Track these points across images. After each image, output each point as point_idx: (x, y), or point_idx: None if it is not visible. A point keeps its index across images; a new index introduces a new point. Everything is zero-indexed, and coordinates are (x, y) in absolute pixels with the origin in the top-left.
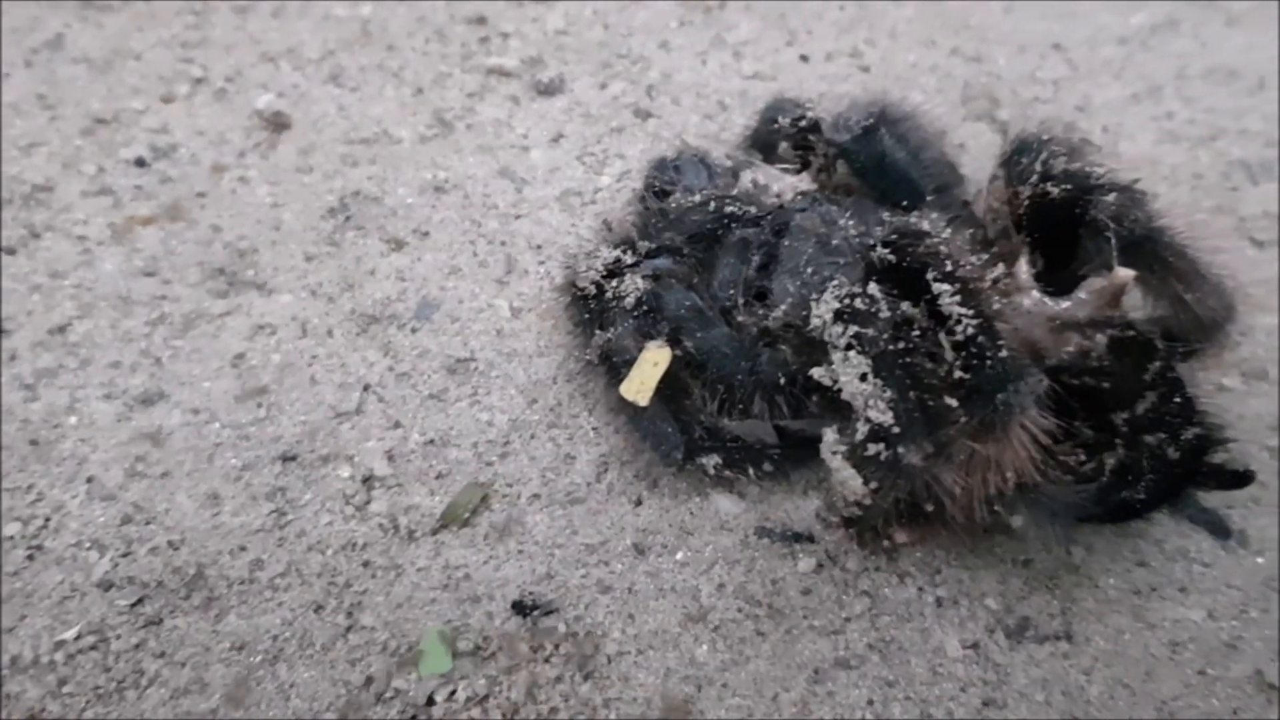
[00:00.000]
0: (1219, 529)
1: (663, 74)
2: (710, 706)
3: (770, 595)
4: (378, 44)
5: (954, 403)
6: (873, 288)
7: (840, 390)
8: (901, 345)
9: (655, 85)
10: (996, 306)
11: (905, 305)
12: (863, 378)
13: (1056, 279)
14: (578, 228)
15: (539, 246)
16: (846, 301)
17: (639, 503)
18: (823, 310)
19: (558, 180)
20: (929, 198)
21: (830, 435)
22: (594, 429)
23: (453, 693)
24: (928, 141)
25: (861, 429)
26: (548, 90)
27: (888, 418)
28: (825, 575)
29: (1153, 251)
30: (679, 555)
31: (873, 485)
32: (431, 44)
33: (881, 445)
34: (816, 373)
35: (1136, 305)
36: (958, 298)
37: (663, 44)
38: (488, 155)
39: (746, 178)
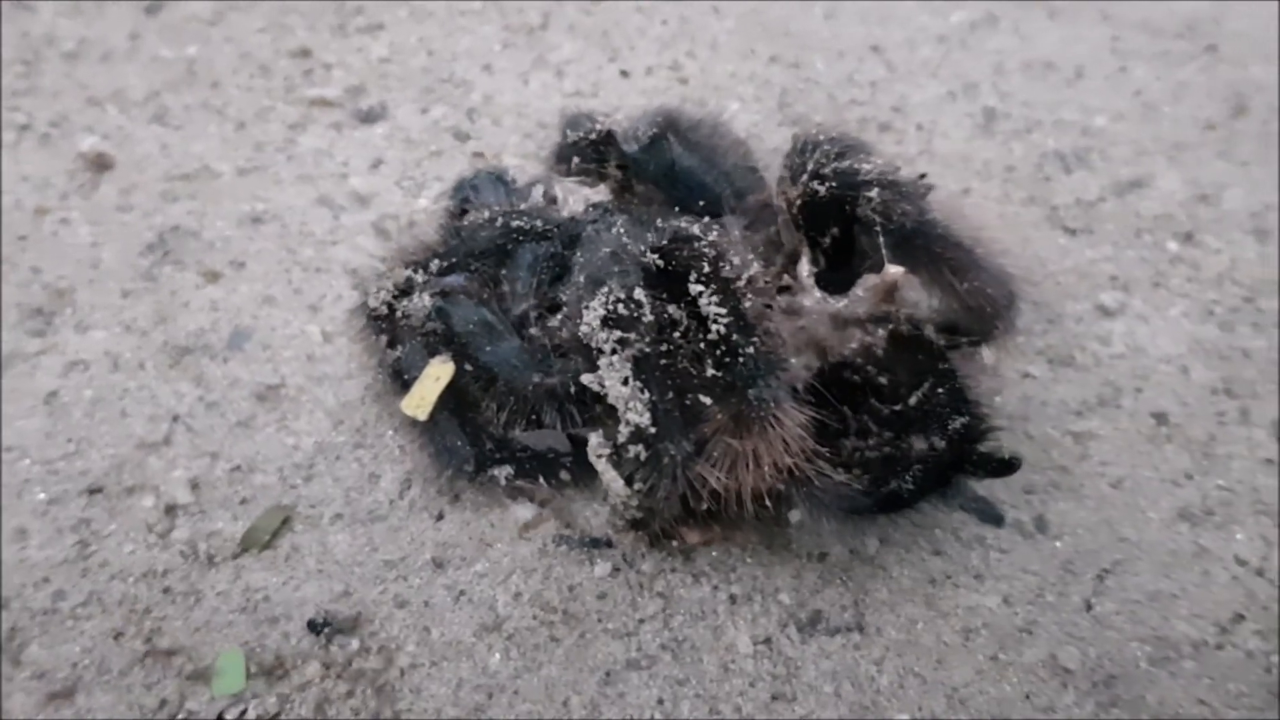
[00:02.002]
0: (991, 516)
1: (484, 96)
2: (501, 713)
3: (566, 601)
4: (203, 82)
5: (708, 400)
6: (638, 293)
7: (607, 395)
8: (664, 348)
9: (476, 108)
10: (749, 304)
11: (673, 308)
12: (625, 381)
13: (839, 276)
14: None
15: (354, 271)
16: (612, 308)
17: (440, 517)
18: (590, 317)
19: (375, 206)
20: (729, 202)
21: (595, 439)
22: (399, 447)
23: (243, 712)
24: (724, 147)
25: (623, 431)
26: (369, 118)
27: (645, 419)
28: (621, 579)
29: (923, 245)
30: (477, 567)
31: (637, 486)
32: (255, 79)
33: (641, 446)
34: (586, 379)
35: (921, 299)
36: (715, 298)
37: (486, 67)
38: (307, 185)
39: (537, 193)
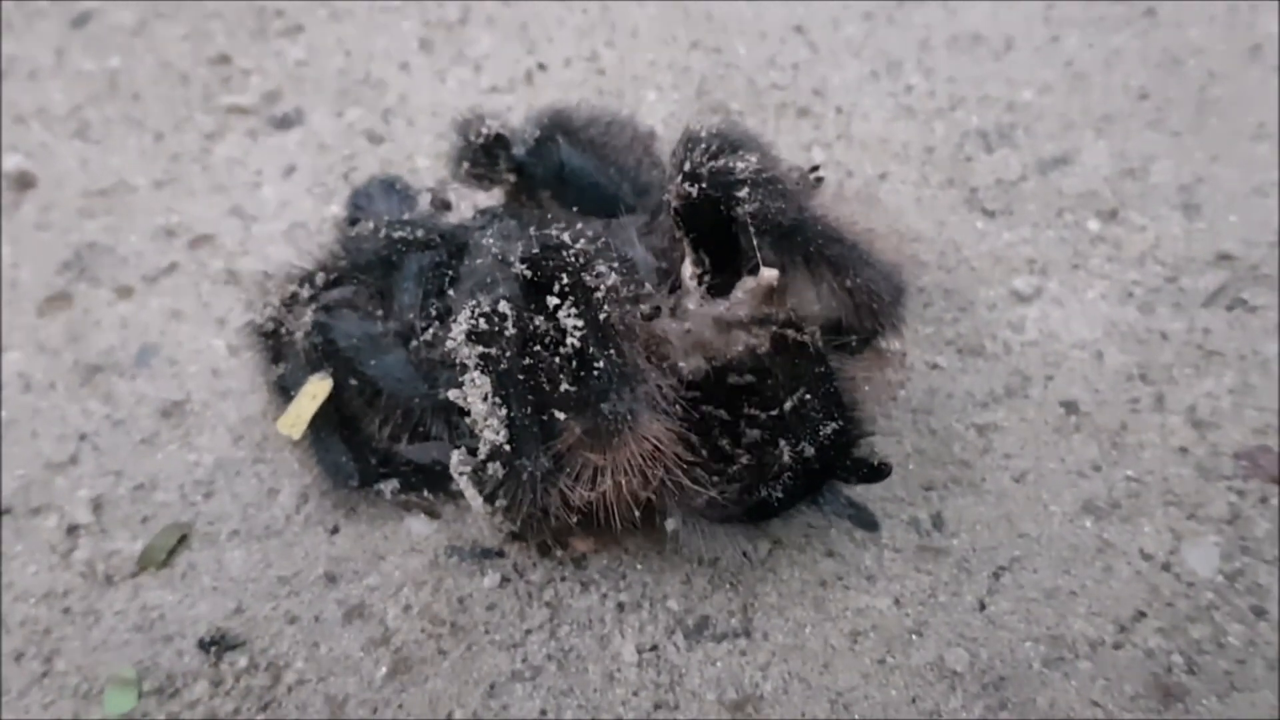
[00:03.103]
0: (865, 522)
1: (400, 96)
2: None
3: (455, 613)
4: (124, 94)
5: (563, 415)
6: (502, 306)
7: (470, 411)
8: (525, 361)
9: (392, 109)
10: (608, 315)
11: (539, 320)
12: (484, 398)
13: (724, 277)
14: (301, 262)
15: (261, 283)
16: (475, 322)
17: (335, 530)
18: (456, 331)
19: (286, 214)
20: (627, 200)
21: (456, 456)
22: (298, 462)
23: None
24: (623, 144)
25: (483, 449)
26: (283, 124)
27: (501, 436)
28: (510, 589)
29: (802, 243)
30: (369, 580)
31: (500, 503)
32: (175, 89)
33: (498, 463)
34: (453, 394)
35: (811, 299)
36: (573, 310)
37: (403, 66)
38: (220, 195)
39: (424, 200)
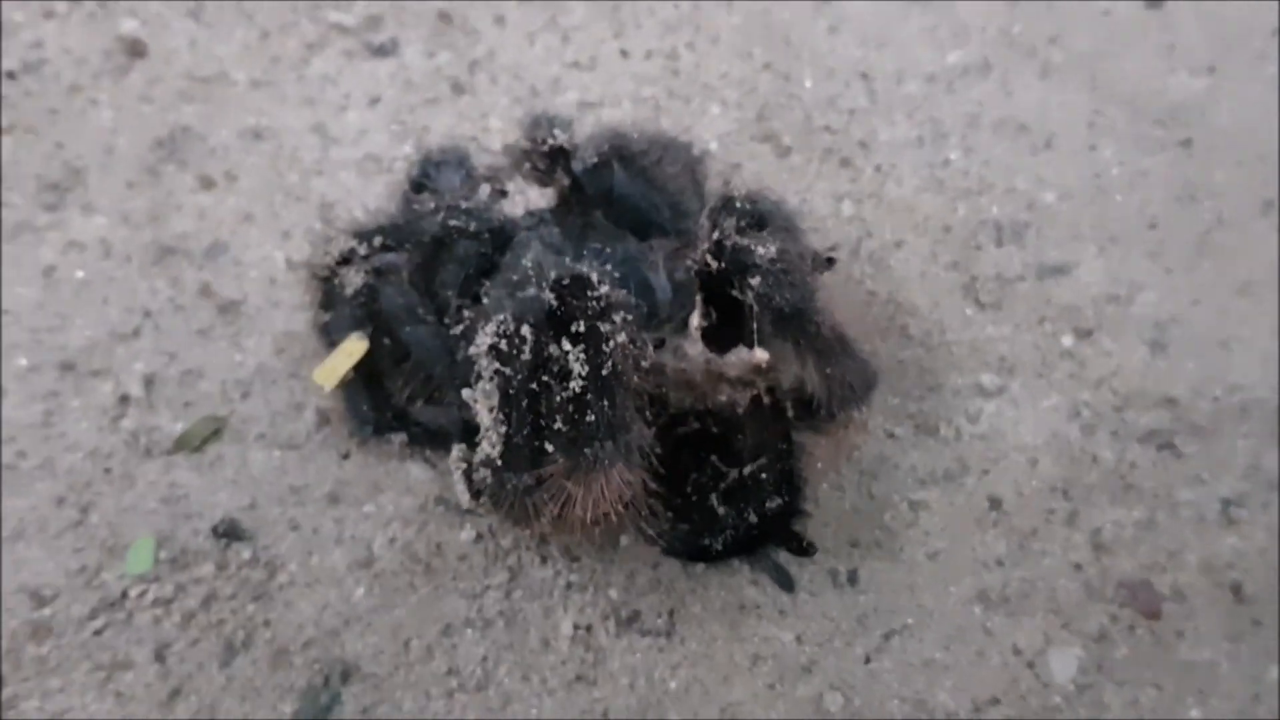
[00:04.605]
0: (784, 582)
1: (489, 50)
2: (351, 640)
3: (431, 556)
4: None
5: (551, 448)
6: (524, 329)
7: (476, 414)
8: (532, 387)
9: (479, 61)
10: (608, 371)
11: (553, 348)
12: (490, 410)
13: (727, 332)
14: (366, 193)
15: (330, 205)
16: (498, 339)
17: (346, 456)
18: (481, 340)
19: (364, 144)
20: (667, 225)
21: (456, 451)
22: None
23: (144, 592)
24: (674, 172)
25: (478, 454)
26: (379, 52)
27: (496, 451)
28: (481, 546)
29: (796, 330)
30: (366, 508)
31: (483, 501)
32: None
33: (489, 472)
34: (465, 393)
35: (793, 372)
36: (582, 355)
37: (498, 18)
38: (308, 109)
39: (484, 191)
